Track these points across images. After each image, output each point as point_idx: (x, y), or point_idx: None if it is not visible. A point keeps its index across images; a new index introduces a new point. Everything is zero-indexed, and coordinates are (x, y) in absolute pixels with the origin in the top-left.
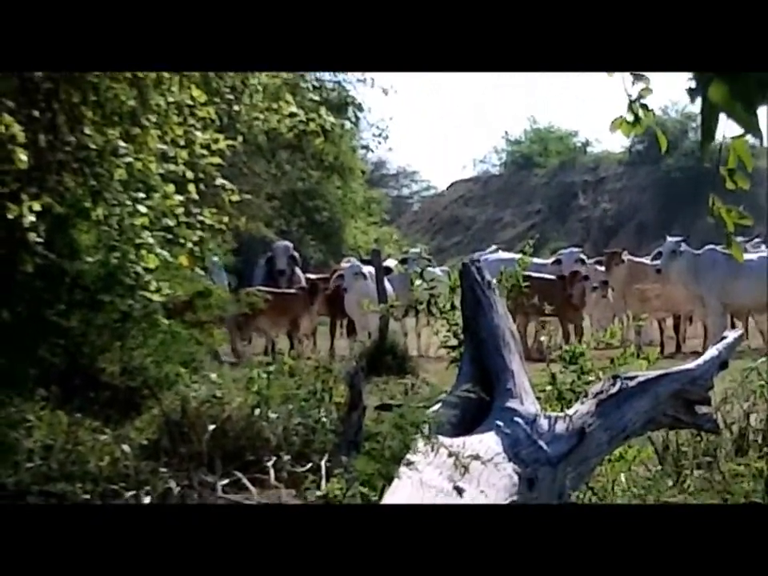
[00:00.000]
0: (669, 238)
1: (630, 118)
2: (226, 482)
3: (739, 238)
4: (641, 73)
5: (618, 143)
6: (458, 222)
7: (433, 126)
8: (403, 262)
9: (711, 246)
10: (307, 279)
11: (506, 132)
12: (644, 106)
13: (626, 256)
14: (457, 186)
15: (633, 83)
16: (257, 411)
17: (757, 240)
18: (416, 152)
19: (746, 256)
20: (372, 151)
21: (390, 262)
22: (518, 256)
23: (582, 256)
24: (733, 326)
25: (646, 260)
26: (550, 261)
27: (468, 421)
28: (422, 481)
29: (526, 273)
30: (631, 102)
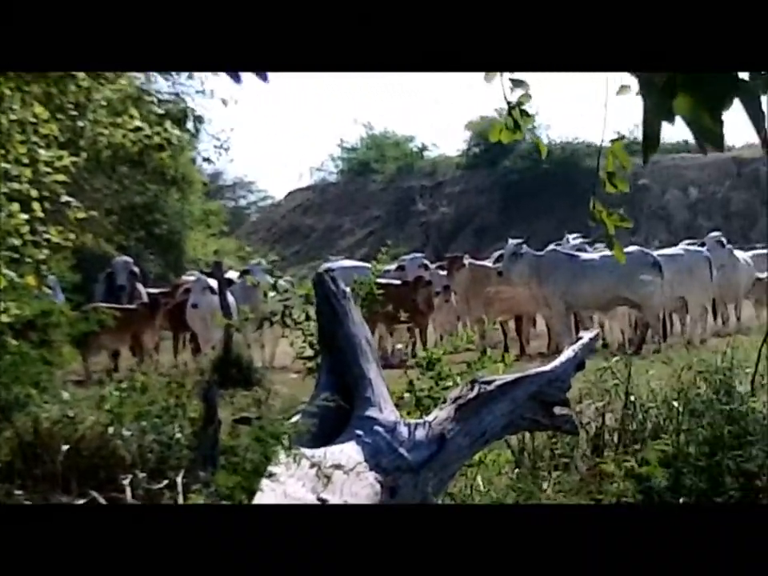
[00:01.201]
0: (510, 241)
1: (510, 124)
2: (81, 501)
3: (579, 239)
4: (520, 79)
5: (454, 147)
6: (296, 231)
7: (267, 135)
8: (245, 273)
9: (553, 247)
10: (148, 294)
11: (342, 139)
12: (523, 112)
13: (467, 260)
14: (294, 195)
15: (512, 89)
16: (110, 429)
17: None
18: (252, 162)
19: (588, 255)
20: (213, 163)
21: (232, 274)
22: (361, 264)
23: (425, 261)
24: (576, 326)
25: (488, 263)
26: (393, 267)
27: (328, 431)
28: (286, 493)
29: (380, 280)
30: (511, 108)
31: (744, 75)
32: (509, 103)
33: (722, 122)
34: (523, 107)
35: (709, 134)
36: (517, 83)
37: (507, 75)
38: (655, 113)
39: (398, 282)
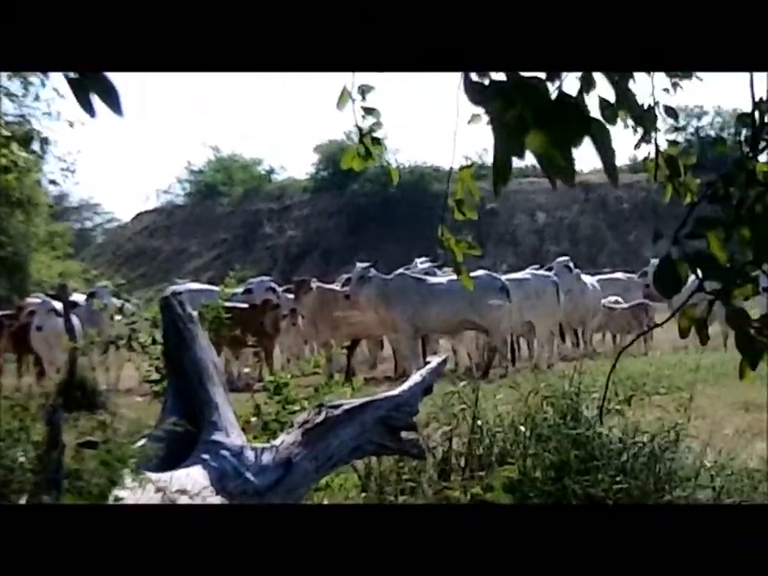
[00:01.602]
0: (358, 264)
1: (362, 151)
2: None
3: (427, 263)
4: (371, 107)
5: (302, 170)
6: (143, 254)
7: (115, 157)
8: (91, 296)
9: (401, 271)
10: None
11: (189, 162)
12: (375, 140)
13: (314, 283)
14: (141, 217)
15: (363, 117)
16: None
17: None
18: (98, 184)
19: (436, 279)
20: (59, 185)
21: (77, 296)
22: (208, 287)
23: (273, 284)
24: (424, 350)
25: (335, 286)
26: (240, 290)
27: (175, 455)
28: None
29: (228, 304)
30: (362, 136)
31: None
32: (360, 130)
33: (572, 159)
34: (375, 134)
35: (560, 170)
36: (368, 111)
37: (359, 103)
38: (506, 148)
39: (245, 305)
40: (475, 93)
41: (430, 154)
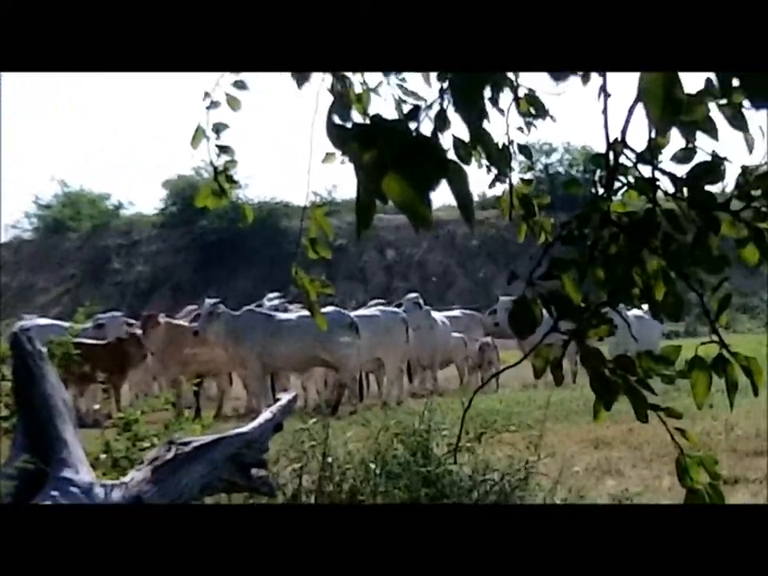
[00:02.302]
0: (206, 300)
1: (216, 189)
2: None
3: (278, 299)
4: (225, 145)
5: (151, 205)
6: None
7: None
8: None
9: (250, 307)
10: None
11: (37, 196)
12: (229, 178)
13: (162, 318)
14: None
15: (218, 155)
16: None
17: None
18: None
19: (285, 315)
20: None
21: None
22: (57, 322)
23: (126, 319)
24: (273, 387)
25: (184, 321)
26: (89, 325)
27: (25, 492)
28: None
29: (78, 340)
30: (217, 174)
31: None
32: (215, 168)
33: (430, 204)
34: (229, 173)
35: (417, 215)
36: (223, 149)
37: (214, 141)
38: (367, 191)
39: (100, 341)
40: (336, 135)
41: (278, 190)
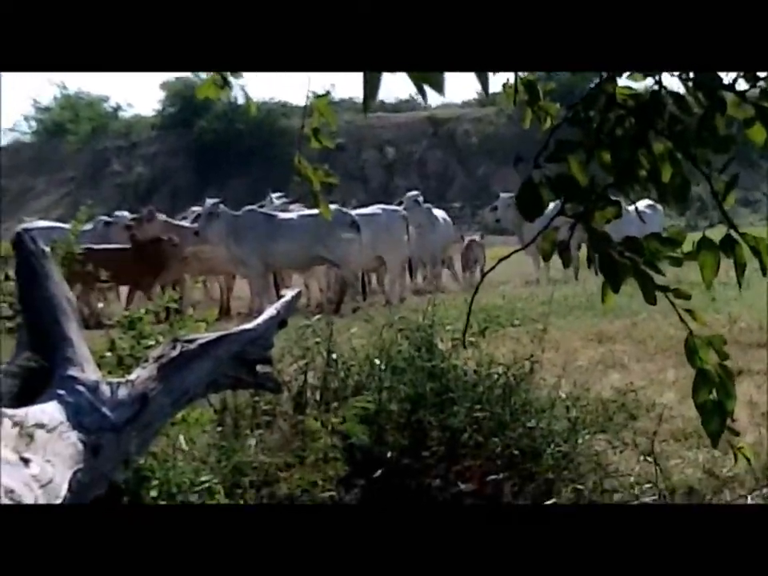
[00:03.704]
0: (207, 201)
1: (219, 81)
2: None
3: (282, 199)
4: None
5: (149, 107)
6: None
7: None
8: None
9: (250, 207)
10: None
11: (35, 99)
12: None
13: (160, 216)
14: None
15: None
16: None
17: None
18: None
19: (286, 215)
20: None
21: None
22: (58, 224)
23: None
24: (277, 287)
25: (185, 222)
26: (89, 227)
27: (30, 391)
28: None
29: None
30: None
31: None
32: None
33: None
34: None
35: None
36: None
37: None
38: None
39: (126, 246)
40: None
41: (276, 90)
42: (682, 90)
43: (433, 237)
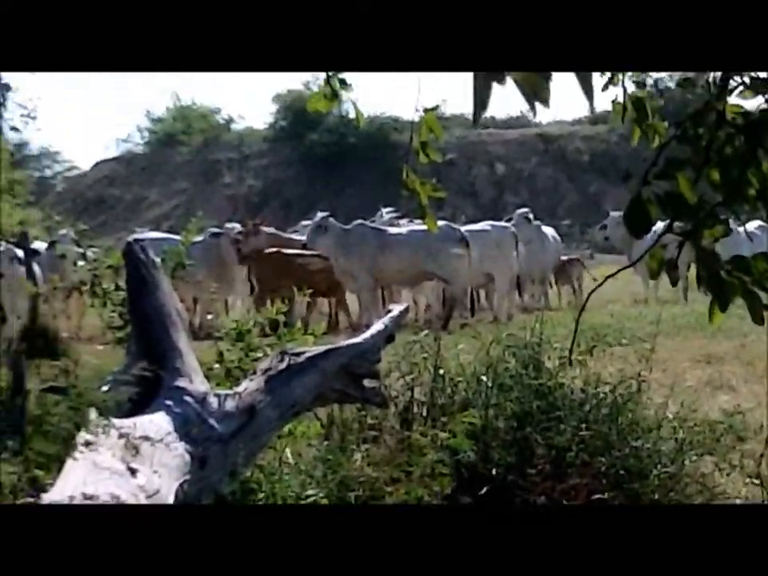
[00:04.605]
0: (318, 213)
1: (329, 93)
2: None
3: (392, 214)
4: None
5: (261, 120)
6: (102, 202)
7: (74, 105)
8: (53, 243)
9: (360, 221)
10: None
11: (149, 110)
12: (342, 81)
13: (265, 228)
14: (101, 165)
15: None
16: None
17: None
18: (58, 132)
19: (396, 230)
20: (19, 132)
21: (38, 244)
22: (169, 235)
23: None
24: (385, 301)
25: (296, 236)
26: (200, 239)
27: (139, 401)
28: (95, 462)
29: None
30: (329, 77)
31: None
32: (327, 72)
33: (549, 76)
34: (341, 76)
35: (537, 90)
36: None
37: None
38: (485, 73)
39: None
40: None
41: (388, 105)
42: None
43: (542, 254)
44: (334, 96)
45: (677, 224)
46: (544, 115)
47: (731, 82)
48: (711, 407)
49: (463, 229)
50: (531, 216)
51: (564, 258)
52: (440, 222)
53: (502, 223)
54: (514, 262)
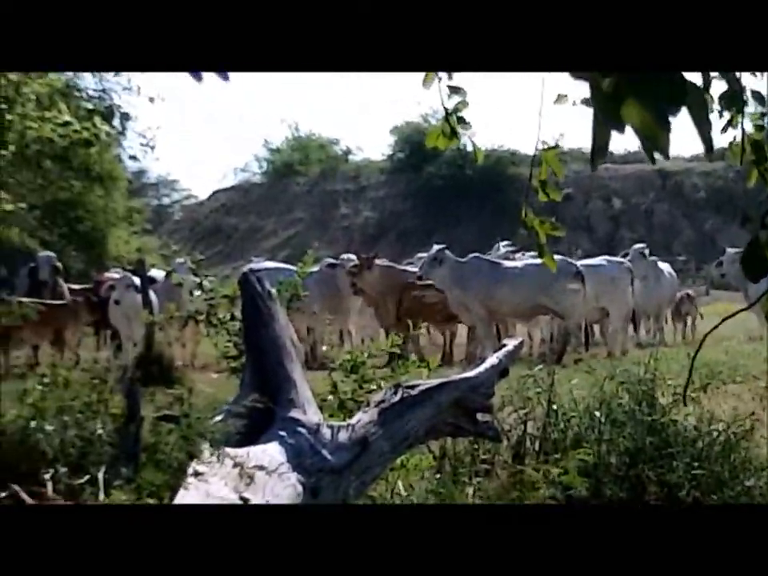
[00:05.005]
0: (434, 246)
1: (447, 130)
2: (2, 495)
3: (509, 247)
4: (457, 86)
5: (379, 151)
6: (219, 231)
7: (193, 134)
8: (170, 272)
9: (476, 254)
10: (71, 290)
11: (266, 140)
12: (461, 119)
13: (379, 261)
14: (218, 194)
15: (449, 96)
16: (32, 424)
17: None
18: (176, 161)
19: (511, 263)
20: (138, 160)
21: (155, 272)
22: (284, 265)
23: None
24: (499, 335)
25: (412, 268)
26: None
27: (252, 431)
28: (208, 492)
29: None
30: (448, 115)
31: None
32: (446, 110)
33: (669, 128)
34: (460, 114)
35: (656, 141)
36: (454, 90)
37: (445, 81)
38: (604, 120)
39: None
40: None
41: (506, 138)
42: None
43: (657, 290)
44: (453, 134)
45: None
46: None
47: None
48: None
49: (579, 263)
50: (647, 252)
51: (680, 294)
52: (556, 257)
53: (618, 258)
54: (629, 298)
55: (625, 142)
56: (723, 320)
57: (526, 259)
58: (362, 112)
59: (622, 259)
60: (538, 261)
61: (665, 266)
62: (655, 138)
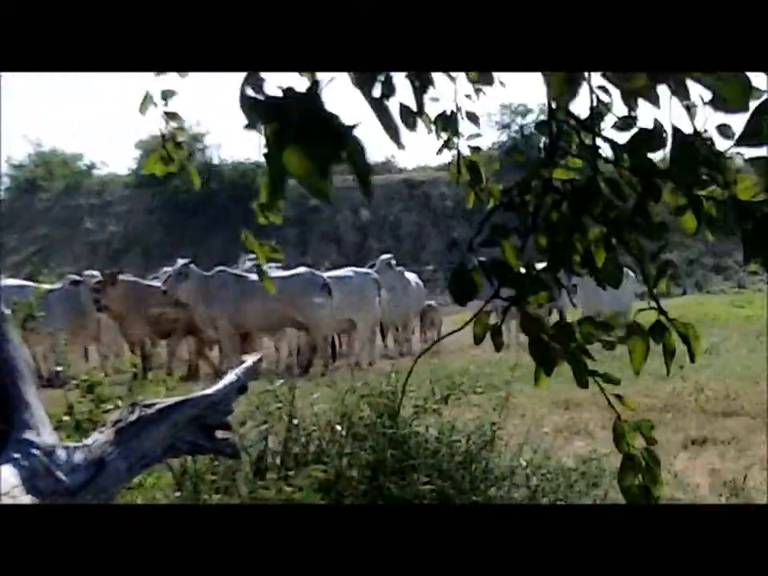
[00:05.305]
0: (179, 260)
1: (165, 156)
2: None
3: (253, 261)
4: (173, 112)
5: (124, 166)
6: None
7: None
8: None
9: (221, 268)
10: None
11: (9, 156)
12: (178, 144)
13: (123, 277)
14: None
15: (166, 123)
16: None
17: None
18: None
19: (256, 276)
20: None
21: None
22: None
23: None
24: (246, 348)
25: (156, 282)
26: (58, 286)
27: None
28: None
29: None
30: (164, 141)
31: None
32: (163, 136)
33: (328, 177)
34: (177, 139)
35: (315, 189)
36: (171, 116)
37: (162, 108)
38: (273, 165)
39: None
40: (248, 107)
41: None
42: (617, 176)
43: (405, 300)
44: (170, 159)
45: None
46: (409, 161)
47: (558, 149)
48: (567, 452)
49: (326, 275)
50: (394, 262)
51: (425, 303)
52: (302, 269)
53: (365, 269)
54: (376, 309)
55: (372, 153)
56: (452, 332)
57: (273, 272)
58: (107, 126)
59: (368, 270)
60: (286, 273)
61: (411, 276)
62: (314, 186)
